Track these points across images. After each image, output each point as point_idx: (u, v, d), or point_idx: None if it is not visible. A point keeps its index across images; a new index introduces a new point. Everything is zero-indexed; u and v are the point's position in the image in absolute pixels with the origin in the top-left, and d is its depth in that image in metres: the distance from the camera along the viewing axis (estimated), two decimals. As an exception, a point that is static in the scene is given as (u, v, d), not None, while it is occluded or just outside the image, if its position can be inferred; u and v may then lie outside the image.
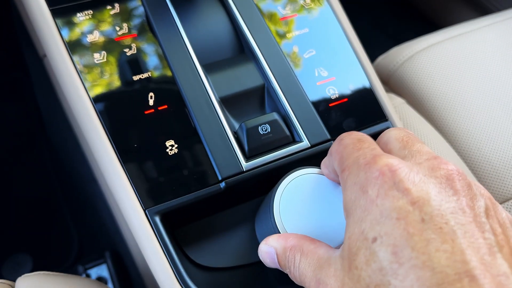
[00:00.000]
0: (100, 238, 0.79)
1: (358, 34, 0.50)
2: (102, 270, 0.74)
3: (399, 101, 0.62)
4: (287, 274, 0.35)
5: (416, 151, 0.29)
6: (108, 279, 0.73)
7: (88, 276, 0.73)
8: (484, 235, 0.25)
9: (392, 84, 0.66)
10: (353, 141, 0.30)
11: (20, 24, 0.75)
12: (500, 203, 0.58)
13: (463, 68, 0.65)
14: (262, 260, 0.33)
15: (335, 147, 0.31)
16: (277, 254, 0.32)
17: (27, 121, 0.98)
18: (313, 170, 0.35)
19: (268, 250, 0.33)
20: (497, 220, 0.27)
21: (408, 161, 0.28)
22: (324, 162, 0.34)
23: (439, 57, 0.65)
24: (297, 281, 0.31)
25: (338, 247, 0.30)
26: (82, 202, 0.84)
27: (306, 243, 0.31)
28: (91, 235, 0.85)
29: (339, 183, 0.35)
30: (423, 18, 1.21)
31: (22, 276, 0.46)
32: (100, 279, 0.73)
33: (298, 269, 0.30)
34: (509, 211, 0.57)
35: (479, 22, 0.71)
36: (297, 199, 0.34)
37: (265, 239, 0.33)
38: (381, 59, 0.68)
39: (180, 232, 0.41)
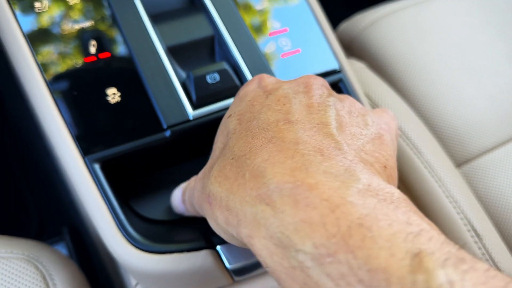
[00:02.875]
0: (60, 215, 0.76)
1: (331, 16, 0.49)
2: (61, 247, 0.71)
3: (360, 65, 0.61)
4: None
5: None
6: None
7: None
8: (321, 113, 0.27)
9: (354, 49, 0.65)
10: None
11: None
12: (461, 165, 0.57)
13: (425, 33, 0.64)
14: (172, 206, 0.35)
15: None
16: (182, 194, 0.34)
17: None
18: None
19: (176, 193, 0.34)
20: (349, 111, 0.29)
21: None
22: None
23: (401, 22, 0.64)
24: (189, 207, 0.33)
25: None
26: (41, 179, 0.81)
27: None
28: (51, 212, 0.82)
29: None
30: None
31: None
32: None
33: (191, 191, 0.32)
34: (471, 173, 0.57)
35: (442, -9, 0.70)
36: None
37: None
38: (344, 25, 0.67)
39: (126, 185, 0.39)
